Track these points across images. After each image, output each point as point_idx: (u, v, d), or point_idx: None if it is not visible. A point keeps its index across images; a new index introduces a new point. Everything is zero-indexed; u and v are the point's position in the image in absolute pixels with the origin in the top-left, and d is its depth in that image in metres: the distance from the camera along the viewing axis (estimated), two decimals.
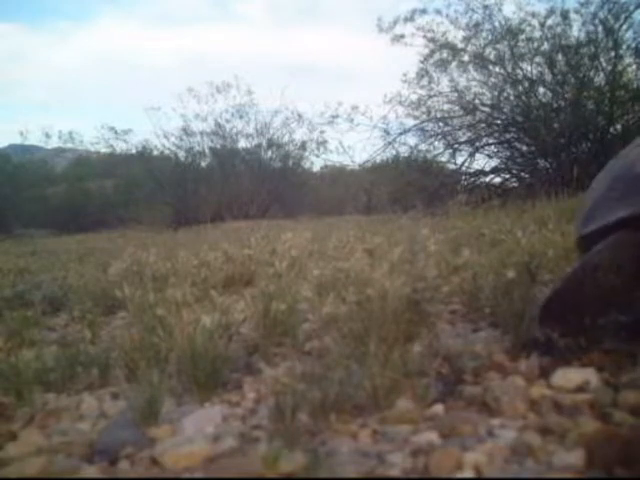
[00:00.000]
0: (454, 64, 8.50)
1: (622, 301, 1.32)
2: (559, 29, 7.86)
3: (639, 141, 1.56)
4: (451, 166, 8.83)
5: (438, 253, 2.09)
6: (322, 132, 12.56)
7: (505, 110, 8.39)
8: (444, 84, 8.70)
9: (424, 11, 8.37)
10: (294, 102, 14.31)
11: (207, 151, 13.62)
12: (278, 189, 13.27)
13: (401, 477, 0.88)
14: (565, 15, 7.78)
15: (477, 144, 8.61)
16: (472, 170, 8.69)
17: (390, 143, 8.95)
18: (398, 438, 1.00)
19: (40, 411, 1.31)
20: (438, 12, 8.36)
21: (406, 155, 8.99)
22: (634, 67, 7.73)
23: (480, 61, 8.35)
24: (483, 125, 8.60)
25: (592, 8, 7.60)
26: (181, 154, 13.41)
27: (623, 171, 1.47)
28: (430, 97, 8.74)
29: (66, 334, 2.09)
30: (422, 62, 8.58)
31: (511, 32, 8.02)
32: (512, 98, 8.36)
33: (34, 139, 20.53)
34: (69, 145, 14.29)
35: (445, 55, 8.51)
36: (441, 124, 8.87)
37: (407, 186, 8.57)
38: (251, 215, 11.95)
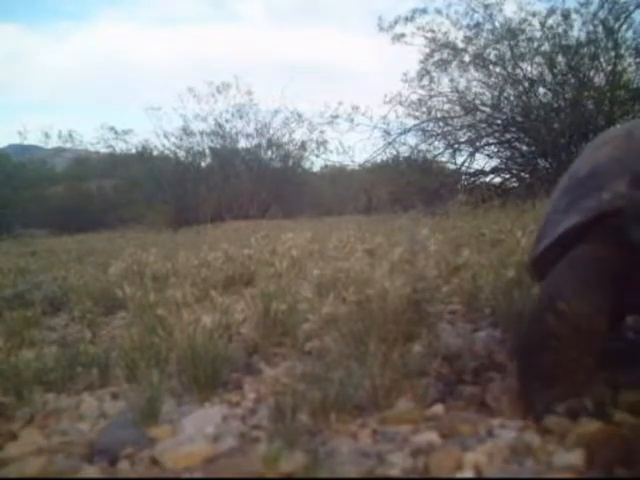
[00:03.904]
0: (454, 64, 8.52)
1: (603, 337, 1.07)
2: (560, 29, 7.87)
3: (586, 151, 1.41)
4: (451, 166, 8.84)
5: (438, 253, 2.09)
6: (322, 132, 12.55)
7: (505, 110, 8.39)
8: (444, 84, 8.72)
9: (424, 11, 8.39)
10: (294, 102, 14.31)
11: (207, 151, 13.61)
12: (278, 189, 13.25)
13: (401, 477, 0.88)
14: (566, 15, 7.79)
15: (477, 144, 8.61)
16: (472, 170, 8.70)
17: (390, 143, 8.96)
18: (398, 438, 1.00)
19: (40, 411, 1.31)
20: (438, 12, 8.38)
21: (406, 155, 8.99)
22: (634, 67, 7.74)
23: (480, 61, 8.36)
24: (483, 125, 8.60)
25: (592, 8, 7.62)
26: (181, 154, 13.41)
27: (568, 180, 1.32)
28: (430, 97, 8.75)
29: (66, 334, 2.10)
30: (422, 62, 8.60)
31: (511, 32, 8.02)
32: (512, 98, 8.36)
33: (33, 139, 20.53)
34: (69, 145, 14.28)
35: (446, 55, 8.52)
36: (441, 124, 8.87)
37: (407, 186, 8.57)
38: (251, 215, 11.94)
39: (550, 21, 7.91)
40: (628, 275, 1.09)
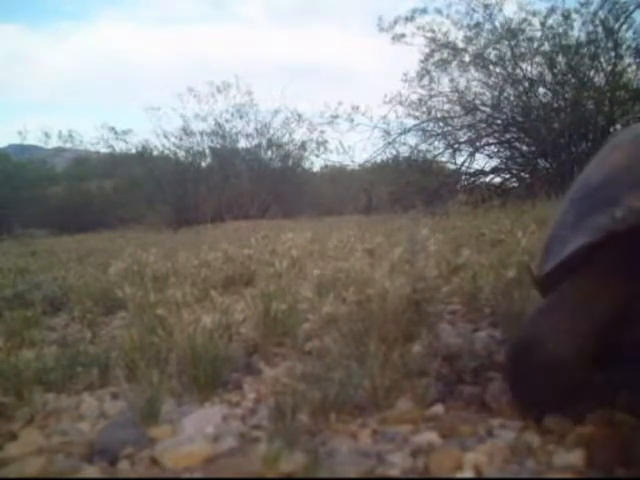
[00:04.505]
0: (454, 64, 8.53)
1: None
2: (560, 29, 7.88)
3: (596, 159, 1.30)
4: (451, 166, 8.85)
5: (438, 253, 2.09)
6: (322, 132, 12.54)
7: (505, 110, 8.40)
8: (444, 84, 8.73)
9: (424, 11, 8.41)
10: (294, 102, 14.32)
11: (207, 151, 13.61)
12: (278, 189, 13.25)
13: (401, 477, 0.88)
14: (566, 15, 7.80)
15: (477, 144, 8.62)
16: (472, 170, 8.71)
17: (390, 143, 8.96)
18: (398, 438, 1.00)
19: (40, 411, 1.31)
20: (438, 12, 8.40)
21: (406, 155, 9.00)
22: (634, 67, 7.74)
23: (480, 61, 8.36)
24: (483, 125, 8.61)
25: (592, 8, 7.63)
26: (181, 154, 13.40)
27: (578, 189, 1.22)
28: (430, 97, 8.76)
29: (66, 334, 2.09)
30: (422, 62, 8.61)
31: (511, 32, 8.03)
32: (512, 98, 8.37)
33: (33, 139, 20.50)
34: (69, 145, 14.28)
35: (446, 55, 8.53)
36: (441, 124, 8.88)
37: (407, 186, 8.57)
38: (251, 215, 11.94)
39: (550, 21, 7.95)
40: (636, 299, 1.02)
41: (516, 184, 8.55)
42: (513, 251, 2.24)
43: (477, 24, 8.27)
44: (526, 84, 8.12)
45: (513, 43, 8.02)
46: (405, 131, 8.84)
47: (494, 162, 8.76)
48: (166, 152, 13.42)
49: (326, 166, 14.28)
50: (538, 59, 8.10)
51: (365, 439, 1.02)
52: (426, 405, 1.13)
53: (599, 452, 0.87)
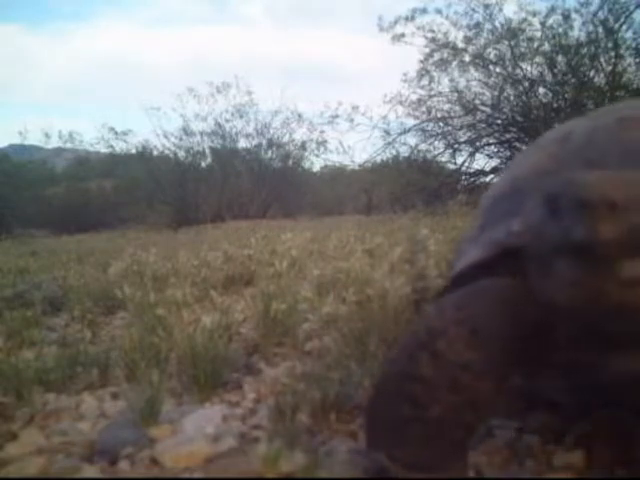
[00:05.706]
0: (454, 64, 8.54)
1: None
2: (560, 29, 7.89)
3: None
4: (451, 166, 8.86)
5: (438, 253, 2.09)
6: (322, 132, 12.55)
7: (505, 110, 8.41)
8: (444, 84, 8.75)
9: (424, 10, 8.41)
10: (294, 102, 14.33)
11: (207, 151, 13.62)
12: (278, 189, 13.26)
13: (400, 477, 0.88)
14: (566, 15, 7.81)
15: (477, 144, 8.63)
16: (472, 170, 8.72)
17: (390, 143, 8.98)
18: None
19: (40, 411, 1.31)
20: (438, 12, 8.41)
21: (406, 155, 9.02)
22: (634, 67, 7.75)
23: (480, 61, 8.37)
24: (483, 125, 8.62)
25: (592, 8, 7.64)
26: (181, 154, 13.40)
27: (488, 197, 1.06)
28: (430, 97, 8.77)
29: (66, 334, 2.09)
30: (422, 62, 8.62)
31: (511, 32, 8.04)
32: (512, 98, 8.38)
33: (34, 139, 20.54)
34: (69, 145, 14.28)
35: (445, 55, 8.54)
36: (441, 124, 8.89)
37: (407, 186, 8.58)
38: (251, 215, 11.94)
39: (550, 21, 7.96)
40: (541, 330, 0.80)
41: None
42: None
43: (477, 24, 8.29)
44: (526, 84, 8.13)
45: (513, 43, 8.03)
46: (405, 131, 8.86)
47: (494, 162, 8.80)
48: (166, 152, 13.43)
49: (326, 166, 14.31)
50: (538, 59, 8.12)
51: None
52: None
53: (599, 452, 0.87)
